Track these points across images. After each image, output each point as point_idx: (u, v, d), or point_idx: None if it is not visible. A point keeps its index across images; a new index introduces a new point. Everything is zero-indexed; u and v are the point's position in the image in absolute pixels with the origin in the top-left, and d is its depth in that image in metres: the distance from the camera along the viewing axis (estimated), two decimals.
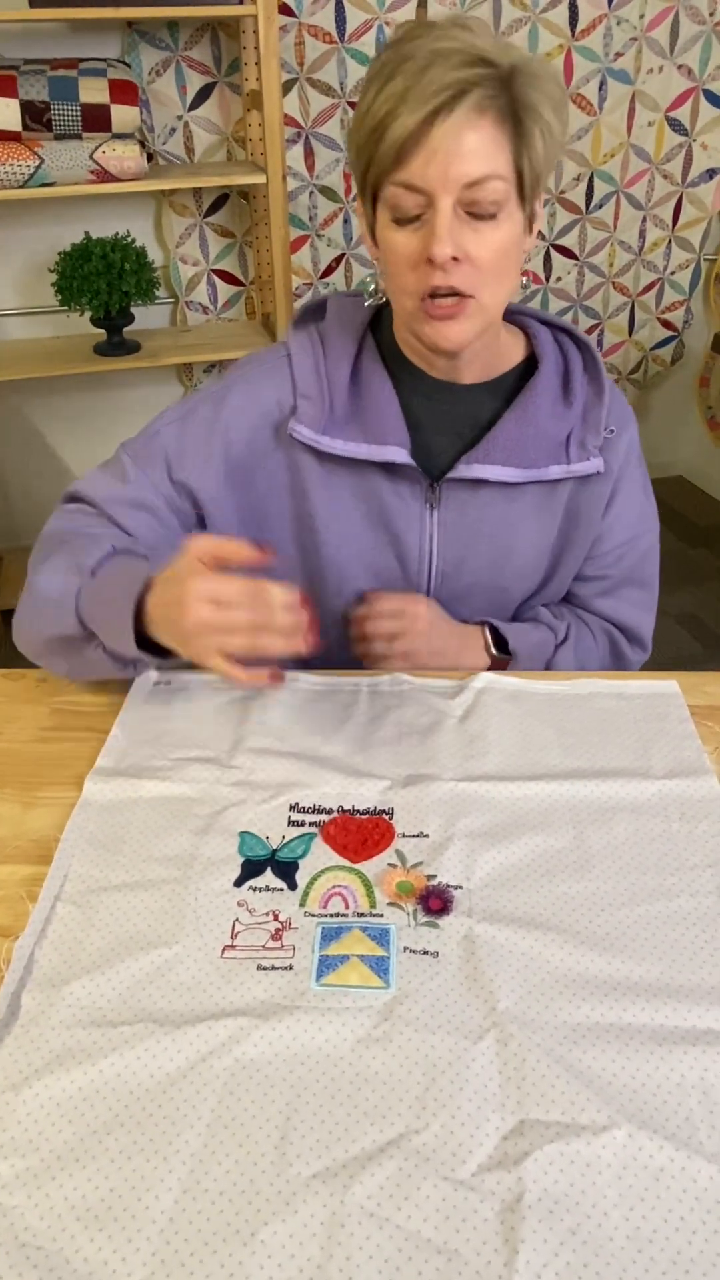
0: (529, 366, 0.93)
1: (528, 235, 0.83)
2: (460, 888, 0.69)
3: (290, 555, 0.99)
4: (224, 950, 0.64)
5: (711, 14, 2.34)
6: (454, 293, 0.79)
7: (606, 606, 1.03)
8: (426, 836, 0.73)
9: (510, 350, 0.93)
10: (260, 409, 0.93)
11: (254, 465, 0.94)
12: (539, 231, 0.96)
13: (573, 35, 2.29)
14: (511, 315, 0.96)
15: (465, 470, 0.91)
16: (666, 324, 2.81)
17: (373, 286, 0.91)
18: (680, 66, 2.40)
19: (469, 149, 0.74)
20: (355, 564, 0.98)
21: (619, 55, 2.34)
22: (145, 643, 0.77)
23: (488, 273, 0.79)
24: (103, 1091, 0.56)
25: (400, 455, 0.90)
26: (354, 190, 0.85)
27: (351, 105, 2.22)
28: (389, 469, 0.93)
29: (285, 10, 2.10)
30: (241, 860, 0.71)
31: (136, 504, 0.92)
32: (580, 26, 2.29)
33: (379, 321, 0.95)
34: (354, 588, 0.99)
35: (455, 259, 0.77)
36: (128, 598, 0.76)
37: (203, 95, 2.15)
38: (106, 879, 0.70)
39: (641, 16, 2.31)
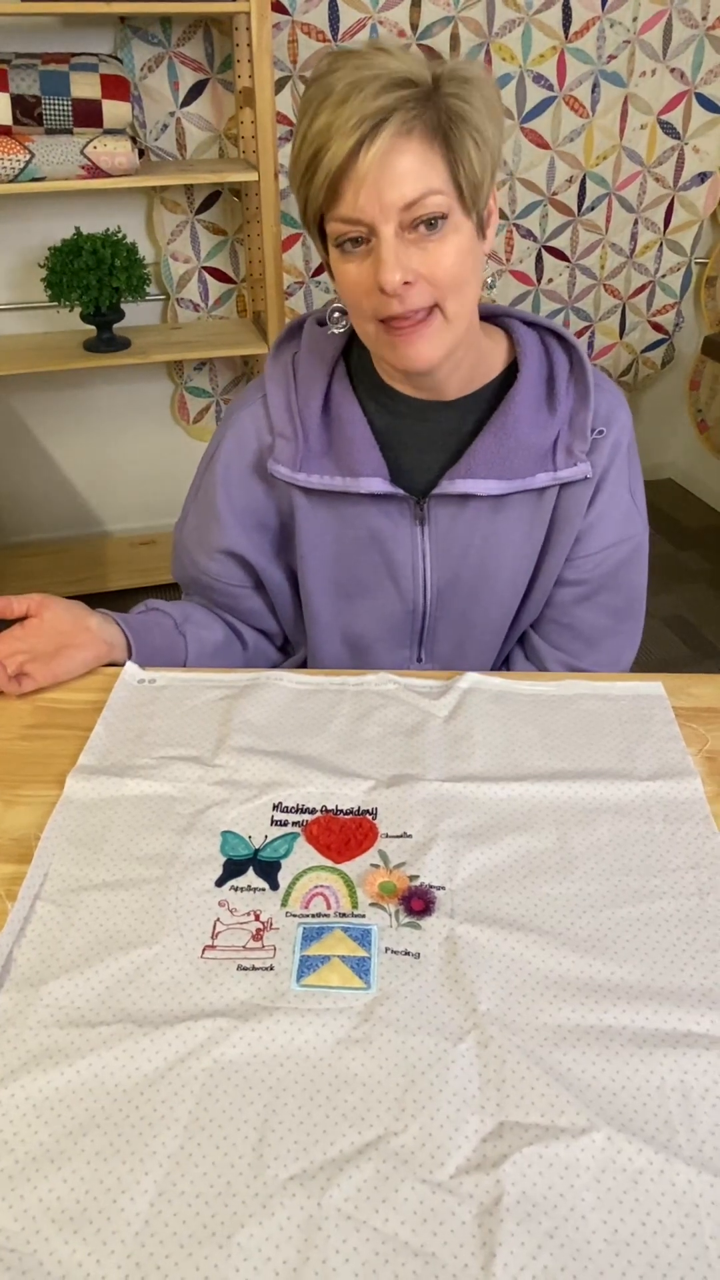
0: (513, 373, 0.92)
1: (482, 240, 0.81)
2: (443, 888, 0.68)
3: (286, 578, 1.03)
4: (204, 950, 0.64)
5: (704, 18, 2.35)
6: (413, 312, 0.79)
7: (585, 615, 1.00)
8: (410, 837, 0.73)
9: (492, 358, 0.92)
10: (245, 455, 0.96)
11: (255, 509, 0.98)
12: (504, 227, 0.96)
13: (566, 37, 2.30)
14: (495, 318, 0.95)
15: (449, 486, 0.90)
16: (657, 327, 2.82)
17: (336, 314, 0.89)
18: (673, 70, 2.41)
19: (399, 173, 0.73)
20: (350, 587, 0.98)
21: (612, 58, 2.35)
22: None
23: (444, 287, 0.78)
24: (79, 1092, 0.56)
25: (378, 485, 0.90)
26: None
27: None
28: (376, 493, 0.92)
29: (278, 8, 2.09)
30: (223, 860, 0.71)
31: (222, 592, 1.04)
32: (574, 28, 2.29)
33: (354, 348, 0.94)
34: (351, 609, 0.99)
35: (407, 283, 0.76)
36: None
37: (195, 92, 2.15)
38: (87, 878, 0.69)
39: (634, 19, 2.31)
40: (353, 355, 0.94)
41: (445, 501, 0.92)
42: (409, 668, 1.03)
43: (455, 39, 2.24)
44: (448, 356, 0.83)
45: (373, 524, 0.94)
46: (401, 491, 0.91)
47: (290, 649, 1.10)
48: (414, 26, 2.21)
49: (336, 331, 0.91)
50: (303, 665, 1.08)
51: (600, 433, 0.92)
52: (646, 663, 2.26)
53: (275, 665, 1.09)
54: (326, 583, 0.98)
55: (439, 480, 0.91)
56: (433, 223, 0.76)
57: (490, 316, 0.95)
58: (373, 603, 0.98)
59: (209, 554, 1.01)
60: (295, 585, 1.02)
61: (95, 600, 0.98)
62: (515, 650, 1.05)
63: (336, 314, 0.89)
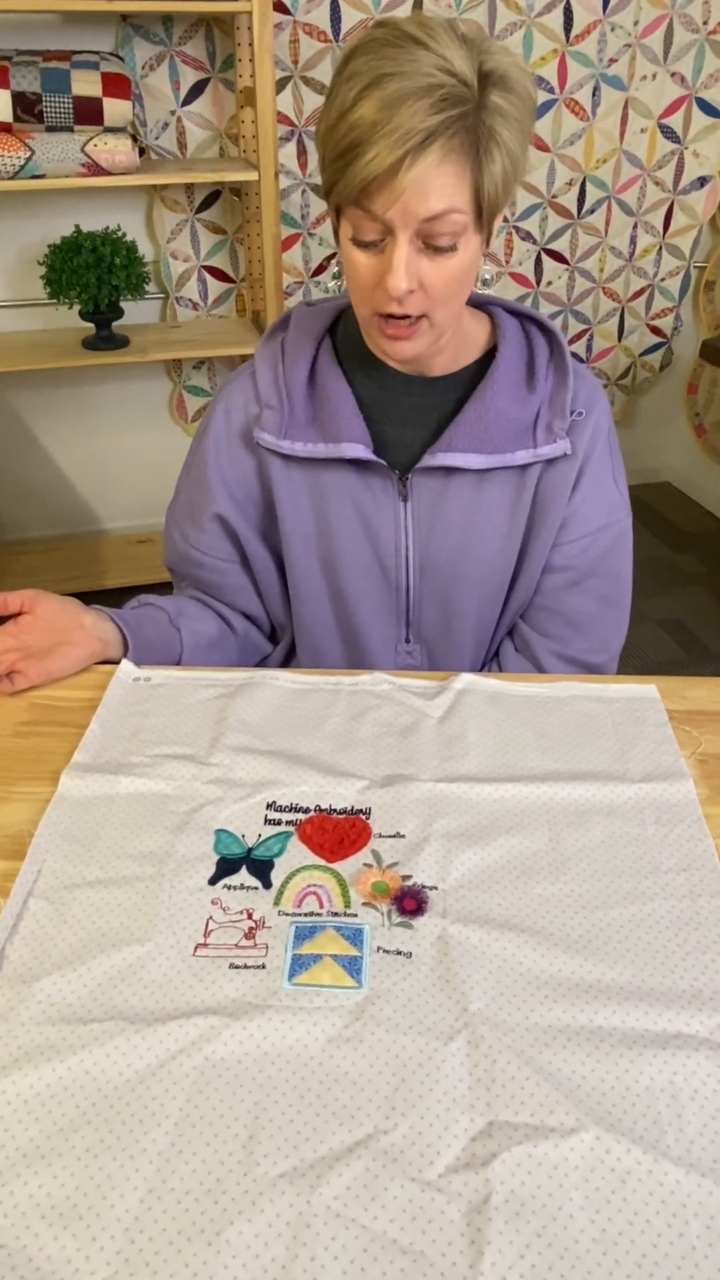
0: (495, 355, 0.94)
1: (484, 248, 0.83)
2: (435, 888, 0.68)
3: (271, 558, 1.03)
4: (196, 948, 0.64)
5: (705, 22, 2.36)
6: (405, 316, 0.81)
7: (574, 601, 1.00)
8: (403, 837, 0.73)
9: (475, 339, 0.95)
10: (233, 426, 0.98)
11: (244, 480, 0.99)
12: (504, 229, 0.97)
13: (567, 40, 2.30)
14: (480, 305, 0.97)
15: (431, 460, 0.92)
16: (656, 330, 2.82)
17: (338, 268, 0.89)
18: (673, 74, 2.41)
19: (431, 189, 0.74)
20: (334, 564, 0.98)
21: (613, 61, 2.35)
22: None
23: (440, 297, 0.81)
24: (71, 1089, 0.56)
25: (359, 451, 0.92)
26: None
27: None
28: (359, 466, 0.94)
29: (280, 8, 2.10)
30: (217, 858, 0.71)
31: (209, 567, 1.04)
32: (575, 32, 2.29)
33: (341, 323, 0.97)
34: (337, 587, 1.00)
35: (410, 290, 0.79)
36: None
37: (196, 91, 2.15)
38: (80, 875, 0.69)
39: (635, 23, 2.32)
40: (339, 331, 0.97)
41: (428, 476, 0.94)
42: (397, 649, 1.04)
43: None
44: (427, 350, 0.86)
45: (356, 497, 0.96)
46: (383, 462, 0.93)
47: (278, 637, 1.11)
48: None
49: (331, 284, 0.93)
50: (290, 651, 1.08)
51: (580, 414, 0.93)
52: (643, 666, 2.27)
53: (264, 655, 1.10)
54: (311, 558, 0.99)
55: (421, 456, 0.93)
56: (445, 245, 0.78)
57: (476, 303, 0.97)
58: (358, 581, 0.99)
59: (198, 524, 1.02)
60: (280, 567, 1.03)
61: (91, 598, 0.98)
62: (505, 642, 1.05)
63: (338, 268, 0.89)
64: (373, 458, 0.92)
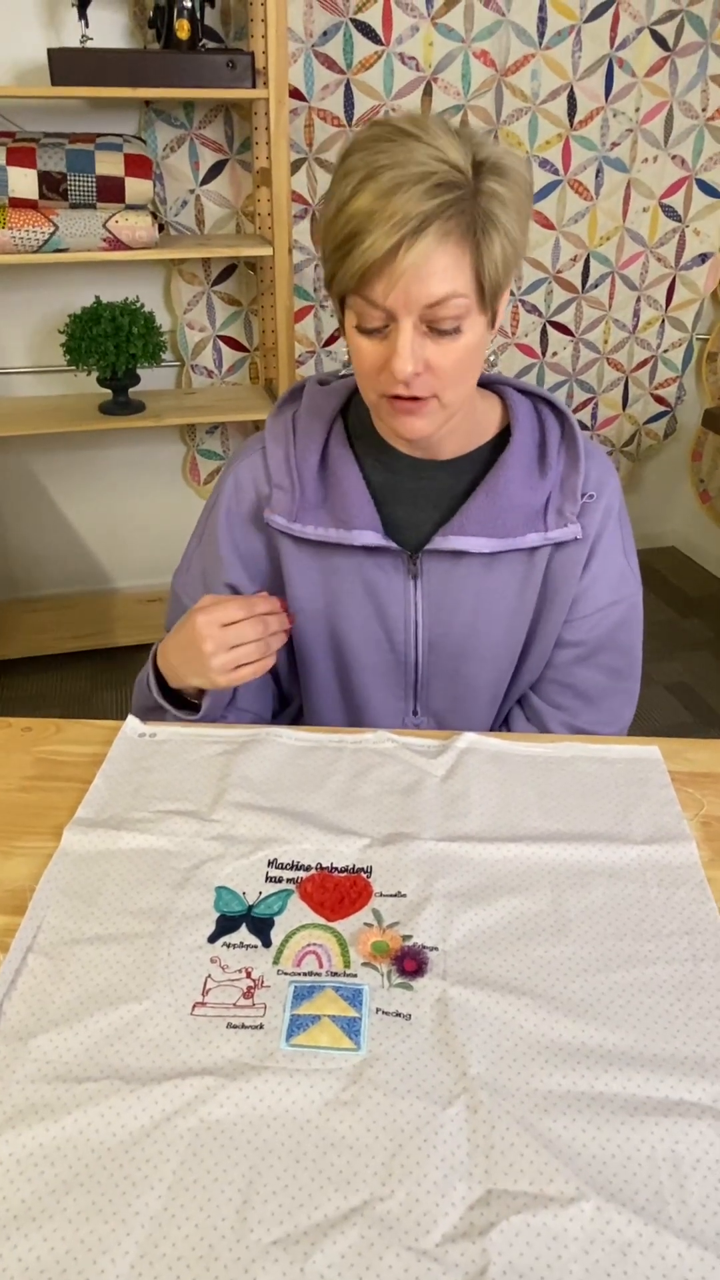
0: (507, 436, 0.95)
1: (490, 330, 0.84)
2: (436, 949, 0.68)
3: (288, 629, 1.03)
4: (194, 1007, 0.64)
5: (704, 109, 2.45)
6: (415, 397, 0.82)
7: (584, 675, 1.01)
8: (404, 896, 0.73)
9: (487, 422, 0.95)
10: (243, 504, 0.99)
11: (255, 556, 1.01)
12: (511, 303, 0.99)
13: (571, 126, 2.40)
14: (491, 385, 0.99)
15: (442, 542, 0.92)
16: (660, 399, 2.88)
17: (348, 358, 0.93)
18: (674, 157, 2.50)
19: (430, 272, 0.75)
20: (342, 638, 0.99)
21: (615, 145, 2.45)
22: (182, 701, 0.98)
23: (448, 378, 0.81)
24: (64, 1149, 0.55)
25: (372, 538, 0.93)
26: None
27: None
28: (370, 547, 0.95)
29: (296, 95, 2.19)
30: (217, 915, 0.71)
31: None
32: (578, 117, 2.39)
33: (353, 405, 0.97)
34: (344, 660, 1.01)
35: (417, 373, 0.79)
36: (149, 661, 0.98)
37: (214, 171, 2.24)
38: (80, 931, 0.69)
39: (637, 110, 2.41)
40: (350, 414, 0.97)
41: (438, 557, 0.94)
42: (405, 721, 1.04)
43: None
44: (440, 429, 0.86)
45: (366, 576, 0.96)
46: (394, 545, 0.93)
47: (288, 701, 1.11)
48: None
49: (345, 374, 0.95)
50: (298, 718, 1.09)
51: (591, 497, 0.94)
52: (650, 729, 2.26)
53: (274, 715, 1.10)
54: (319, 632, 1.00)
55: (432, 536, 0.93)
56: (449, 329, 0.78)
57: (486, 384, 0.98)
58: (366, 655, 1.00)
59: (211, 592, 1.01)
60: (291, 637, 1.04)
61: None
62: (515, 710, 1.05)
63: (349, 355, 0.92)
64: (385, 543, 0.93)
